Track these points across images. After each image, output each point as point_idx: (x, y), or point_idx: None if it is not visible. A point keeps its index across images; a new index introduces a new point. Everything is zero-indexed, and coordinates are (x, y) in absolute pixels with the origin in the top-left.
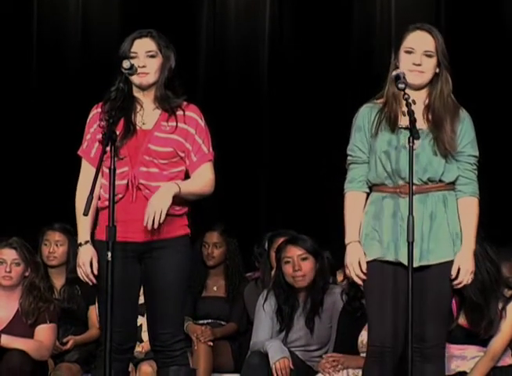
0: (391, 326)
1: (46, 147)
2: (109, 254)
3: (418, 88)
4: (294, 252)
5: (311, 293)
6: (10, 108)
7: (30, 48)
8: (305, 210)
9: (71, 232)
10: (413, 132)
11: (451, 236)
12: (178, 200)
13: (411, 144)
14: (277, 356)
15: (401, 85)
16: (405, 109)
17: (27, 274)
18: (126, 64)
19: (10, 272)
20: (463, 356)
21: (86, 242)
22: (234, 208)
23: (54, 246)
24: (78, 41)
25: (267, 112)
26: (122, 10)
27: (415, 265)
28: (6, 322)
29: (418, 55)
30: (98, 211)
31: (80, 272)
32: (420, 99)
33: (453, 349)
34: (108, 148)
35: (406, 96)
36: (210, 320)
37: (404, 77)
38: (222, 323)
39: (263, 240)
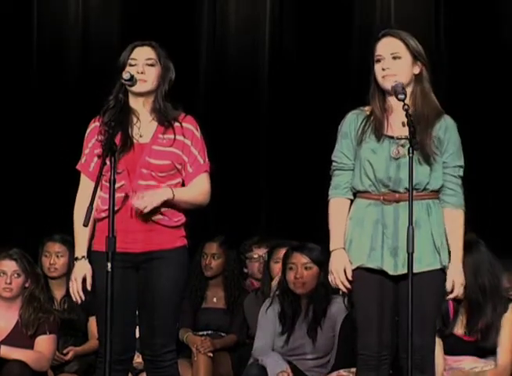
0: (377, 334)
1: (47, 157)
2: (109, 264)
3: None
4: (299, 260)
5: (314, 302)
6: (10, 117)
7: (29, 57)
8: (306, 220)
9: (71, 243)
10: (413, 143)
11: (435, 244)
12: (173, 208)
13: (411, 154)
14: (276, 369)
15: (401, 96)
16: (393, 119)
17: (27, 285)
18: (126, 75)
19: (11, 283)
20: (460, 368)
21: (82, 257)
22: (234, 219)
23: (55, 257)
24: (78, 48)
25: (267, 121)
26: (122, 19)
27: (398, 273)
28: (6, 333)
29: (385, 60)
30: (95, 223)
31: (71, 287)
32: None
33: (450, 361)
34: (107, 159)
35: (406, 107)
36: (210, 331)
37: (403, 88)
38: (222, 334)
39: (245, 245)
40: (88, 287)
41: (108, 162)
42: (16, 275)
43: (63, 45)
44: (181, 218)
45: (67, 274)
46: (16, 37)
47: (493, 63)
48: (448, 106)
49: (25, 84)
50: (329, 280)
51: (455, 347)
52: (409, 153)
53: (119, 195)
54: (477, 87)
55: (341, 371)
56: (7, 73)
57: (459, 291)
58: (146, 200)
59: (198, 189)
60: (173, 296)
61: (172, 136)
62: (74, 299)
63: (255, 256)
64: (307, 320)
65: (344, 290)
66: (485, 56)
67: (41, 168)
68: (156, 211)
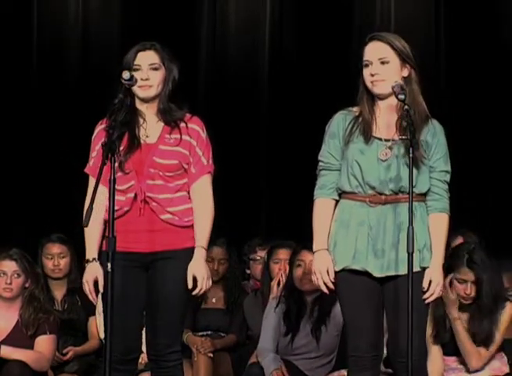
0: (365, 335)
1: (47, 157)
2: (109, 264)
3: (388, 97)
4: (308, 257)
5: (319, 301)
6: (10, 117)
7: (29, 57)
8: (306, 220)
9: (70, 242)
10: (413, 143)
11: (418, 247)
12: (183, 207)
13: (411, 155)
14: (270, 368)
15: (401, 96)
16: (381, 121)
17: (27, 285)
18: (126, 75)
19: (11, 283)
20: (459, 368)
21: (93, 259)
22: (234, 219)
23: (58, 259)
24: (78, 48)
25: (267, 121)
26: (122, 19)
27: (380, 275)
28: (6, 333)
29: (373, 65)
30: (106, 225)
31: (84, 289)
32: (394, 108)
33: (450, 361)
34: (107, 159)
35: (407, 107)
36: (209, 332)
37: (402, 88)
38: (222, 334)
39: (249, 247)
40: (100, 289)
41: (109, 162)
42: (16, 275)
43: (63, 45)
44: (192, 218)
45: (68, 274)
46: (16, 37)
47: (493, 62)
48: (448, 106)
49: (25, 84)
50: (313, 280)
51: (455, 347)
52: (409, 153)
53: (129, 195)
54: (477, 87)
55: (342, 371)
56: (7, 73)
57: (435, 290)
58: (204, 284)
59: (207, 206)
60: (179, 297)
61: (178, 136)
62: (95, 302)
63: (258, 258)
64: (311, 320)
65: (326, 291)
66: (485, 55)
67: (41, 168)
68: (164, 210)
